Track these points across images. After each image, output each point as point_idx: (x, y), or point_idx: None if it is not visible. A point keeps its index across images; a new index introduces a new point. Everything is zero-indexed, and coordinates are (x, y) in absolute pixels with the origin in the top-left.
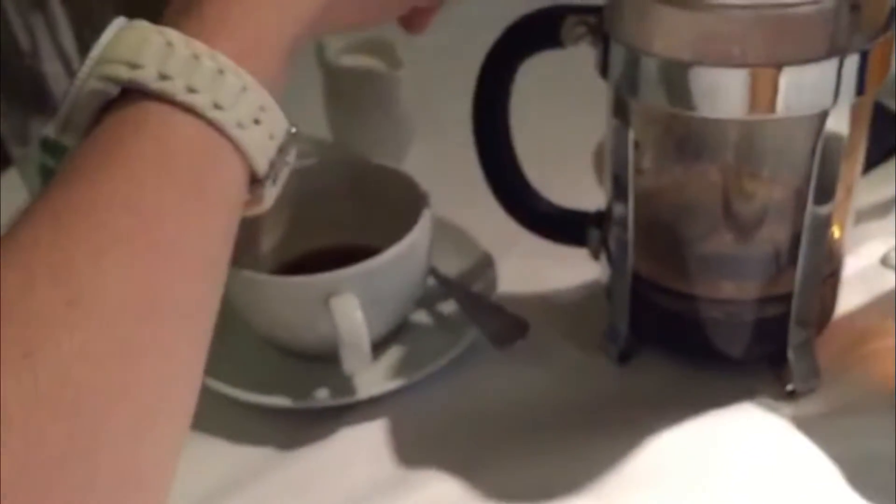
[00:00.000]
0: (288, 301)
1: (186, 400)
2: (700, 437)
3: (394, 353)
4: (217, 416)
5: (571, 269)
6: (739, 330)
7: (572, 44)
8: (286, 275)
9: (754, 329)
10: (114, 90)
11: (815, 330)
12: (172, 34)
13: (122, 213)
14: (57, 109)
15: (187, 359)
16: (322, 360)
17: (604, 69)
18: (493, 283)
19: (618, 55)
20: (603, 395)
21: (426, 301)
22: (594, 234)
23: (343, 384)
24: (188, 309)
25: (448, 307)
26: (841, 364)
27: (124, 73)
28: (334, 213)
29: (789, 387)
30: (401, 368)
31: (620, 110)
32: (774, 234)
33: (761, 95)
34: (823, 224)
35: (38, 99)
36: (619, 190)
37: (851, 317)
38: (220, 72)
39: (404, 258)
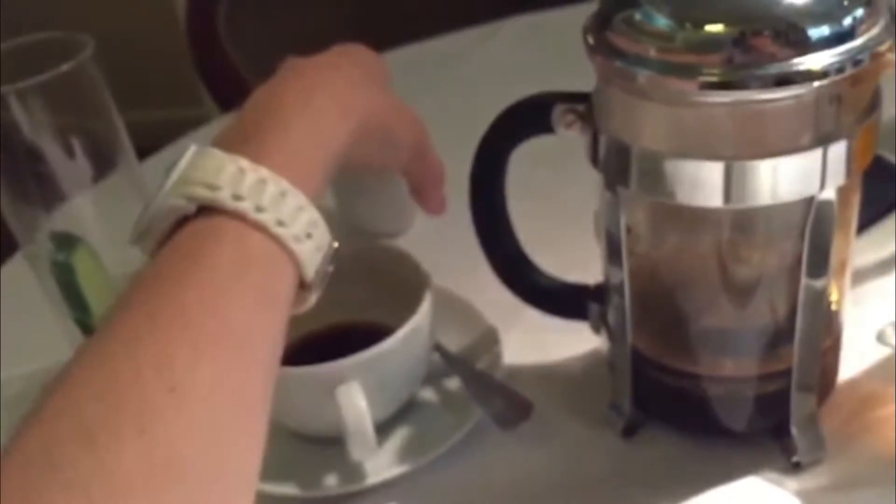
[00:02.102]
0: (294, 390)
1: (256, 464)
2: None
3: (400, 435)
4: None
5: (576, 341)
6: (742, 405)
7: (563, 130)
8: (293, 355)
9: (756, 404)
10: (191, 208)
11: (818, 400)
12: (242, 161)
13: (208, 316)
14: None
15: (260, 441)
16: (329, 444)
17: (594, 156)
18: (497, 357)
19: (605, 145)
20: (608, 470)
21: (432, 377)
22: (594, 308)
23: (351, 469)
24: (262, 398)
25: (453, 384)
26: (845, 433)
27: (204, 193)
28: (339, 292)
29: (794, 459)
30: (408, 451)
31: (610, 196)
32: (771, 307)
33: (743, 186)
34: (819, 297)
35: (45, 193)
36: (613, 269)
37: (854, 384)
38: (283, 194)
39: (407, 342)
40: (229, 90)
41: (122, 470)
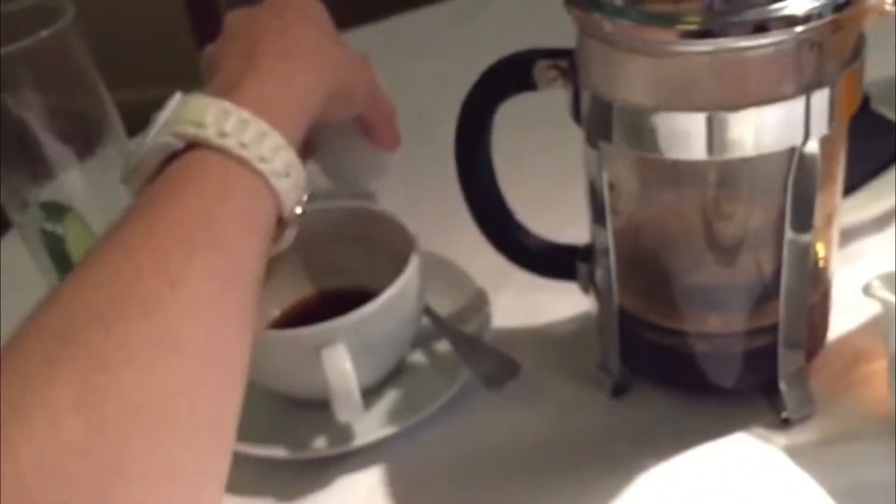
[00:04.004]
0: (280, 354)
1: (244, 365)
2: (695, 468)
3: (389, 398)
4: None
5: (566, 302)
6: (730, 362)
7: (545, 87)
8: (284, 322)
9: (744, 360)
10: (179, 144)
11: (807, 357)
12: (226, 104)
13: (200, 228)
14: (52, 176)
15: (245, 336)
16: (318, 407)
17: (576, 112)
18: (487, 319)
19: (587, 100)
20: (598, 429)
21: (421, 340)
22: (583, 268)
23: (340, 431)
24: (243, 302)
25: (442, 346)
26: (835, 389)
27: (192, 130)
28: (329, 258)
29: (783, 415)
30: (396, 413)
31: (593, 152)
32: (756, 263)
33: (726, 137)
34: (803, 252)
35: (34, 165)
36: (598, 229)
37: (844, 340)
38: (263, 134)
39: (393, 305)
40: None
41: (132, 342)
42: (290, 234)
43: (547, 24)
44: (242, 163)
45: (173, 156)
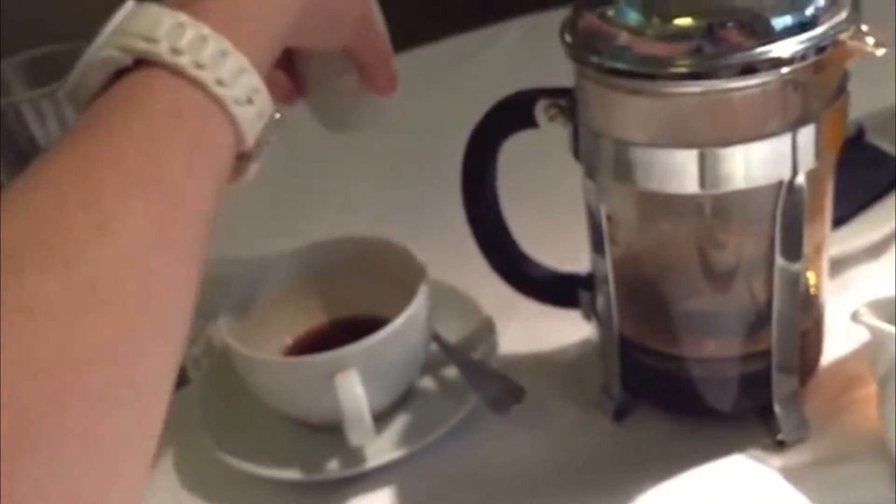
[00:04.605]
0: (294, 379)
1: (185, 319)
2: (694, 489)
3: (400, 421)
4: (231, 491)
5: (569, 329)
6: (726, 386)
7: (547, 124)
8: (299, 349)
9: (740, 384)
10: (128, 60)
11: (801, 381)
12: (183, 16)
13: (141, 159)
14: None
15: (187, 286)
16: (331, 431)
17: (575, 149)
18: (494, 346)
19: (585, 137)
20: (600, 452)
21: (430, 367)
22: (585, 296)
23: (352, 454)
24: (187, 247)
25: (451, 372)
26: (829, 412)
27: (141, 45)
28: (341, 287)
29: (779, 437)
30: (406, 437)
31: (591, 186)
32: (750, 290)
33: (717, 172)
34: (794, 280)
35: None
36: (598, 258)
37: (838, 364)
38: (223, 53)
39: (403, 332)
40: None
41: (43, 297)
42: (251, 170)
43: (550, 61)
44: (197, 85)
45: (121, 73)
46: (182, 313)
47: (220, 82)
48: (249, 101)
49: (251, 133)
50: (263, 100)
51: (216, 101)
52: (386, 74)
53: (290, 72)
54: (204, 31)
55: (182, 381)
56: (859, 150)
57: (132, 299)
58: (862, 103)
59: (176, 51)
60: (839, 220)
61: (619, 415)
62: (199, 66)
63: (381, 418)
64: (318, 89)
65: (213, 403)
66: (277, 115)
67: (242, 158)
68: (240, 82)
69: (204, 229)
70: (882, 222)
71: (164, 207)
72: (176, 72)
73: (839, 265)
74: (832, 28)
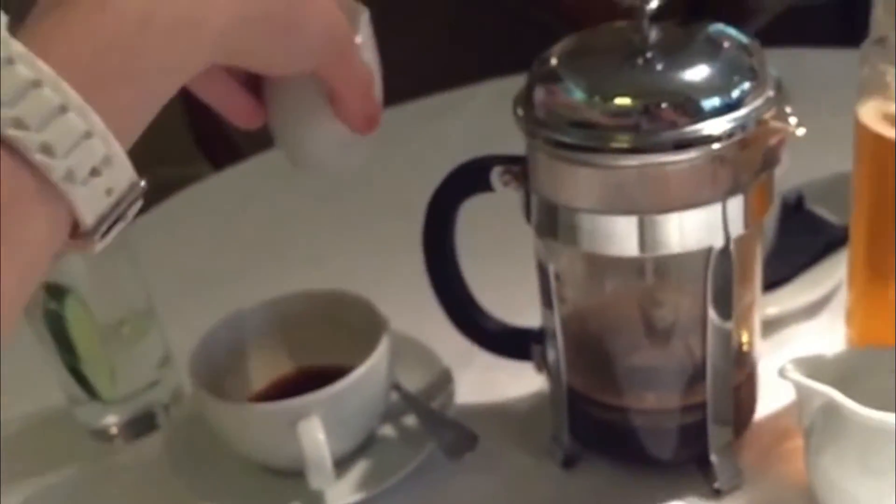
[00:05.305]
0: (259, 425)
1: None
2: None
3: (359, 466)
4: None
5: (522, 380)
6: (665, 436)
7: (501, 188)
8: (264, 395)
9: (678, 434)
10: None
11: (735, 432)
12: (16, 46)
13: None
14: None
15: None
16: (293, 475)
17: (527, 212)
18: (451, 395)
19: (535, 201)
20: (549, 497)
21: (391, 415)
22: (536, 349)
23: (313, 498)
24: None
25: (410, 420)
26: (762, 463)
27: None
28: (307, 337)
29: (715, 486)
30: (365, 481)
31: (541, 247)
32: (686, 346)
33: (655, 237)
34: (725, 337)
35: None
36: (548, 314)
37: (772, 418)
38: (62, 109)
39: (365, 381)
40: (221, 148)
41: None
42: (98, 245)
43: (511, 125)
44: (13, 151)
45: None
46: None
47: (47, 149)
48: (94, 172)
49: (91, 212)
50: (118, 170)
51: (38, 173)
52: (362, 109)
53: (256, 90)
54: (41, 73)
55: (151, 426)
56: (799, 217)
57: None
58: (802, 173)
59: None
60: (779, 281)
61: (568, 462)
62: (21, 124)
63: (343, 464)
64: (283, 118)
65: (180, 448)
66: (142, 183)
67: (81, 236)
68: (81, 149)
69: (12, 315)
70: (819, 284)
71: None
72: None
73: (778, 324)
74: (755, 110)
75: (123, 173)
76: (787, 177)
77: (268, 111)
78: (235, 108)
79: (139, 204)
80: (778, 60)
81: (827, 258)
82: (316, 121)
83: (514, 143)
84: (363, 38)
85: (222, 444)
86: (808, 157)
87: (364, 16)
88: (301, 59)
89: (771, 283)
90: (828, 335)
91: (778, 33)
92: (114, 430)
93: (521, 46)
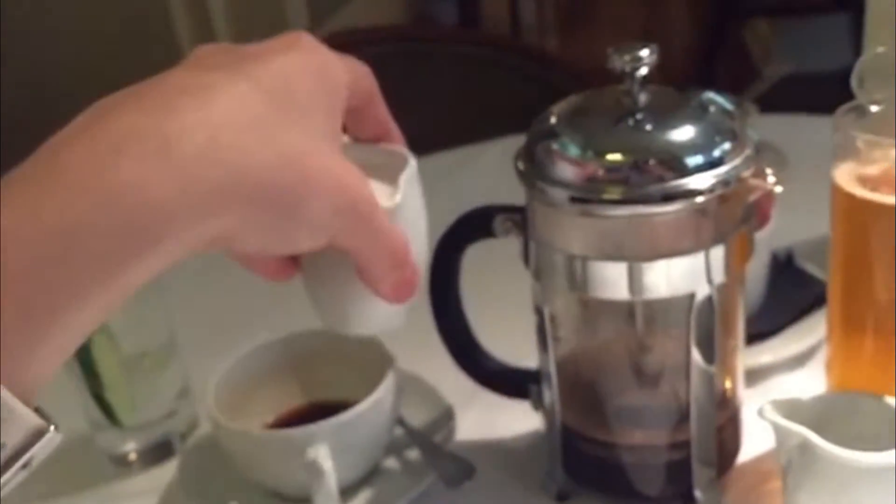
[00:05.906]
0: (270, 452)
1: None
2: None
3: (363, 495)
4: None
5: (520, 418)
6: (652, 472)
7: (503, 235)
8: (279, 427)
9: (665, 471)
10: None
11: (719, 471)
12: None
13: None
14: None
15: None
16: (302, 501)
17: (525, 257)
18: (452, 431)
19: (533, 248)
20: None
21: (395, 448)
22: (534, 389)
23: None
24: None
25: (413, 454)
26: (745, 501)
27: None
28: (319, 374)
29: None
30: None
31: (538, 291)
32: (672, 387)
33: (643, 282)
34: (709, 379)
35: None
36: (543, 355)
37: (755, 460)
38: None
39: (370, 414)
40: None
41: None
42: (15, 481)
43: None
44: None
45: None
46: None
47: None
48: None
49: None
50: (10, 427)
51: None
52: (390, 277)
53: None
54: None
55: (167, 454)
56: (789, 273)
57: None
58: (793, 232)
59: None
60: (769, 332)
61: (562, 496)
62: None
63: (348, 493)
64: (313, 282)
65: (194, 475)
66: (50, 430)
67: None
68: None
69: None
70: (806, 336)
71: None
72: None
73: (766, 372)
74: (735, 168)
75: (19, 427)
76: (779, 236)
77: (301, 270)
78: (262, 264)
79: (46, 451)
80: (778, 126)
81: (814, 312)
82: (344, 287)
83: (519, 194)
84: (402, 196)
85: (234, 471)
86: (800, 218)
87: (407, 172)
88: (308, 239)
89: (761, 334)
90: (812, 384)
91: (782, 99)
92: (132, 457)
93: (526, 108)
